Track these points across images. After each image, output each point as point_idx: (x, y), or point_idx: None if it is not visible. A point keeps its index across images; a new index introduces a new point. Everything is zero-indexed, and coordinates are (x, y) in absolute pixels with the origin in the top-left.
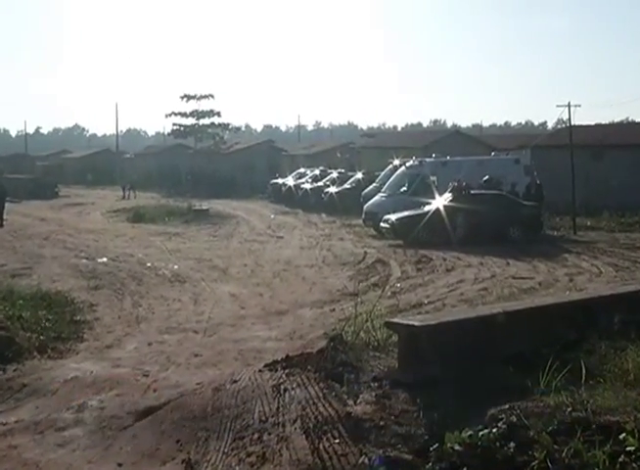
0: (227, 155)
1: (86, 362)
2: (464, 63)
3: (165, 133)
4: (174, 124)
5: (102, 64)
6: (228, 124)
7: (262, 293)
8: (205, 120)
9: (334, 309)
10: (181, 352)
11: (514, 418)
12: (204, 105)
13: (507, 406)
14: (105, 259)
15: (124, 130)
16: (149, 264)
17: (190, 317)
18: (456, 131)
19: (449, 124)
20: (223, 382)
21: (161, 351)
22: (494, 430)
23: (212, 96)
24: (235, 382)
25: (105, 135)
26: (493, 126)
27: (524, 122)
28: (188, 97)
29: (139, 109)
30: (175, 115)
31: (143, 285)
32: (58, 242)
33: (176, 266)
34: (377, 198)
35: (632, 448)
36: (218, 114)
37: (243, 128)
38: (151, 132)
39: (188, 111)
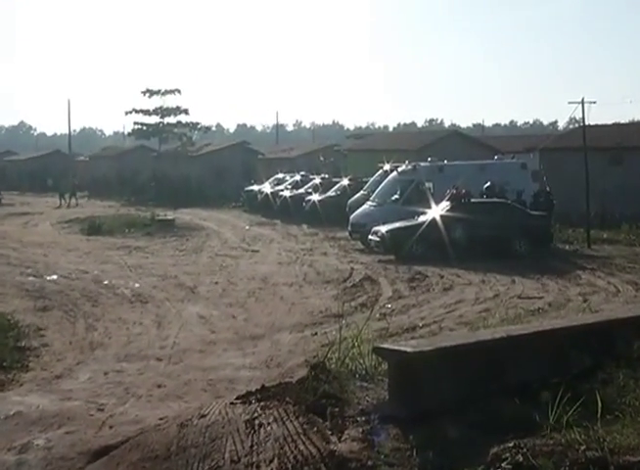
0: (196, 158)
1: (32, 395)
2: (463, 55)
3: (125, 133)
4: (135, 123)
5: (52, 55)
6: (197, 124)
7: (235, 314)
8: (171, 119)
9: (316, 333)
10: (142, 382)
11: (520, 458)
12: (169, 101)
13: (512, 444)
14: (55, 277)
15: (78, 129)
16: (106, 282)
17: (152, 343)
18: (455, 132)
19: (447, 124)
20: (190, 417)
21: (119, 381)
22: None
23: (179, 91)
24: (203, 416)
25: (55, 135)
26: (497, 126)
27: (531, 122)
28: (151, 92)
29: (95, 105)
30: (136, 112)
31: (99, 306)
32: (0, 257)
33: (137, 285)
34: (365, 207)
35: None
36: (185, 111)
37: (213, 128)
38: (108, 132)
39: (151, 108)
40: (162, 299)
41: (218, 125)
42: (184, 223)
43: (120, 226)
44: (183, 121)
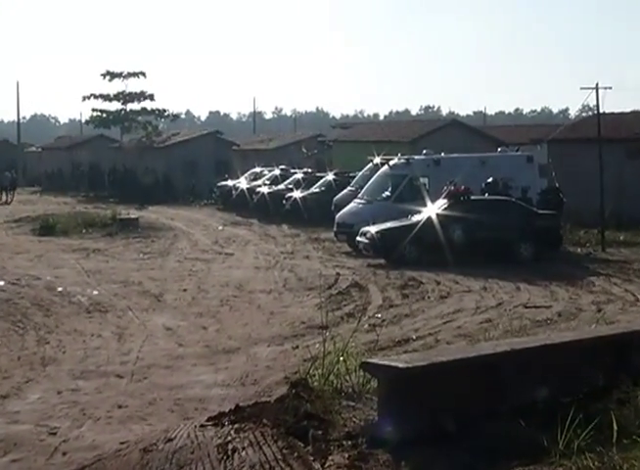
0: (162, 149)
1: None
2: (462, 35)
3: (82, 121)
4: (94, 110)
5: None
6: (164, 111)
7: (206, 326)
8: (134, 105)
9: (297, 347)
10: (100, 402)
11: None
12: (132, 85)
13: None
14: (1, 283)
15: (28, 117)
16: (60, 290)
17: (113, 358)
18: (453, 121)
19: (444, 112)
20: (154, 441)
21: (74, 401)
22: None
23: (143, 74)
24: (170, 441)
25: (2, 122)
26: (500, 115)
27: (539, 110)
28: (112, 75)
29: (48, 89)
30: (95, 97)
31: (52, 316)
32: None
33: (96, 292)
34: (352, 205)
35: None
36: (151, 97)
37: (182, 116)
38: (63, 119)
39: (112, 93)
40: (124, 308)
41: (188, 113)
42: (149, 223)
43: (77, 226)
44: (148, 108)
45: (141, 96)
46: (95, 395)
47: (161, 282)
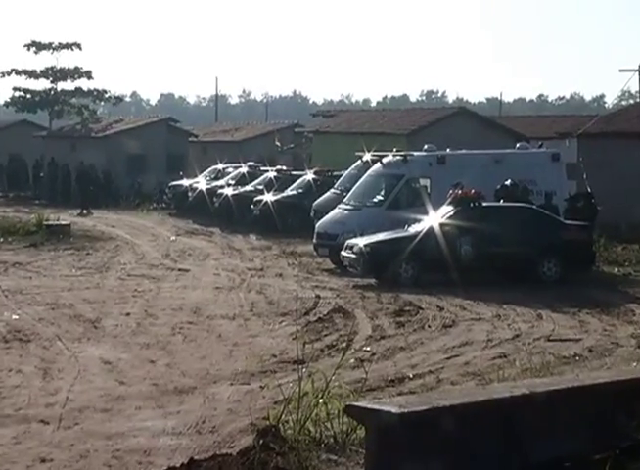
0: (102, 140)
1: None
2: (473, 5)
3: (1, 103)
4: (15, 89)
5: None
6: (104, 92)
7: (154, 359)
8: (67, 84)
9: (266, 386)
10: (19, 454)
11: None
12: (64, 60)
13: None
14: None
15: None
16: None
17: (36, 399)
18: (461, 109)
19: (451, 99)
20: None
21: None
22: None
23: (78, 46)
24: None
25: None
26: (519, 102)
27: (567, 97)
28: (38, 46)
29: None
30: (17, 73)
31: None
32: None
33: (15, 317)
34: (336, 212)
35: None
36: (88, 74)
37: (128, 98)
38: None
39: (39, 68)
40: (51, 336)
41: (134, 95)
42: (84, 231)
43: None
44: (84, 88)
45: (75, 73)
46: (12, 445)
47: (99, 305)
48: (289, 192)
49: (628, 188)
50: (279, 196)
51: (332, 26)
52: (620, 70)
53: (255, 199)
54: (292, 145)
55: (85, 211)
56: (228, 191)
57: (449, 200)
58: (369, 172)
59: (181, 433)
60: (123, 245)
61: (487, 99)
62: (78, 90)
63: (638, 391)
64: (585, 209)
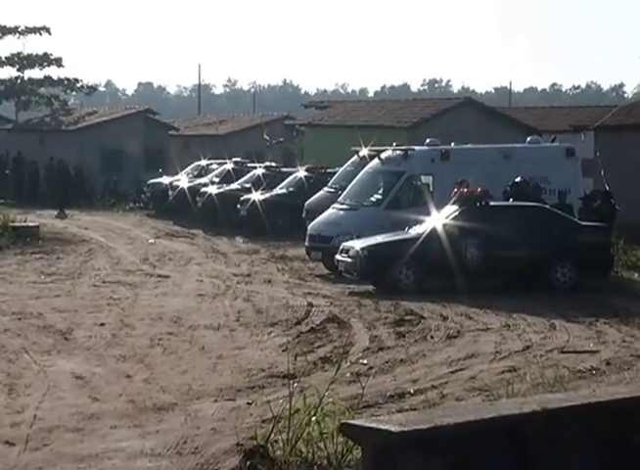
0: (74, 133)
1: None
2: None
3: None
4: None
5: None
6: (76, 81)
7: (131, 373)
8: (35, 73)
9: (253, 403)
10: None
11: None
12: (32, 45)
13: None
14: None
15: None
16: None
17: (0, 417)
18: (467, 100)
19: (456, 88)
20: None
21: None
22: None
23: (48, 30)
24: None
25: None
26: (530, 92)
27: (583, 86)
28: (3, 30)
29: None
30: None
31: None
32: None
33: None
34: (331, 212)
35: None
36: (58, 61)
37: (102, 88)
38: None
39: (3, 55)
40: (18, 349)
41: (109, 84)
42: (54, 233)
43: None
44: (54, 77)
45: (44, 60)
46: None
47: (70, 314)
48: (278, 190)
49: None
50: (268, 195)
51: (325, 9)
52: None
53: (242, 198)
54: (282, 139)
55: (62, 213)
56: (212, 189)
57: (454, 199)
58: (366, 169)
59: (160, 454)
60: (97, 248)
61: (496, 88)
62: (47, 79)
63: None
64: (603, 208)
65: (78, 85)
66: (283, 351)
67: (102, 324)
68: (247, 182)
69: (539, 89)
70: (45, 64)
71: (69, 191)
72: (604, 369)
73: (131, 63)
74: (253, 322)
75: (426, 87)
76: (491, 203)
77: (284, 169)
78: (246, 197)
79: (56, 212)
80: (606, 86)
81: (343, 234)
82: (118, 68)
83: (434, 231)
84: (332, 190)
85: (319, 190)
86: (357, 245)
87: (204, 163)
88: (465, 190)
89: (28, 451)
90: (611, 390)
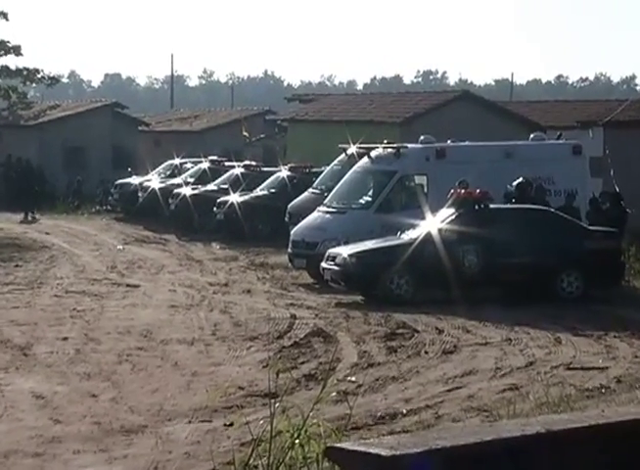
0: (33, 129)
1: None
2: None
3: None
4: None
5: None
6: (36, 71)
7: (97, 392)
8: None
9: (231, 424)
10: None
11: None
12: None
13: None
14: None
15: None
16: None
17: None
18: (465, 93)
19: (452, 80)
20: None
21: None
22: None
23: (4, 16)
24: None
25: None
26: (534, 84)
27: (591, 78)
28: None
29: None
30: None
31: None
32: None
33: None
34: (316, 216)
35: None
36: (16, 50)
37: (65, 79)
38: None
39: None
40: None
41: (73, 75)
42: (12, 238)
43: None
44: (11, 67)
45: (1, 48)
46: None
47: (30, 327)
48: (259, 192)
49: None
50: (247, 197)
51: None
52: None
53: (219, 200)
54: (262, 136)
55: (31, 217)
56: (186, 191)
57: (450, 201)
58: (355, 168)
59: None
60: (60, 255)
61: (496, 81)
62: (4, 69)
63: None
64: (613, 212)
65: (39, 76)
66: (263, 367)
67: (64, 338)
68: (224, 183)
69: (544, 81)
70: (1, 52)
71: (37, 193)
72: (614, 387)
73: (97, 52)
74: (231, 336)
75: (420, 79)
76: (491, 205)
77: (265, 169)
78: (223, 199)
79: (21, 217)
80: (616, 78)
81: (330, 240)
82: (83, 57)
83: (428, 236)
84: (317, 191)
85: (303, 191)
86: (345, 251)
87: (177, 161)
88: (462, 191)
89: None
90: (621, 410)
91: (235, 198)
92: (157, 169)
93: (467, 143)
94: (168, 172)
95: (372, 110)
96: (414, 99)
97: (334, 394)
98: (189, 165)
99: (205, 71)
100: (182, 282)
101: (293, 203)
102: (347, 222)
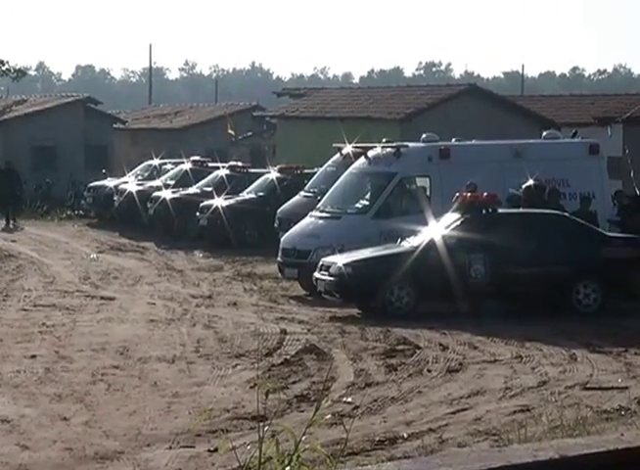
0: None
1: None
2: None
3: None
4: None
5: None
6: (1, 63)
7: (68, 415)
8: None
9: (216, 450)
10: None
11: None
12: None
13: None
14: None
15: None
16: None
17: None
18: (471, 87)
19: (457, 73)
20: None
21: None
22: None
23: None
24: None
25: None
26: (547, 77)
27: (610, 70)
28: None
29: None
30: None
31: None
32: None
33: None
34: (308, 221)
35: None
36: None
37: (33, 72)
38: None
39: None
40: None
41: (41, 67)
42: None
43: None
44: None
45: None
46: None
47: None
48: (246, 195)
49: None
50: (233, 200)
51: None
52: None
53: (202, 204)
54: (249, 134)
55: (12, 225)
56: (166, 194)
57: (455, 205)
58: (350, 170)
59: None
60: (27, 265)
61: (505, 74)
62: None
63: None
64: (634, 218)
65: (4, 68)
66: (251, 387)
67: (33, 356)
68: (207, 185)
69: (557, 74)
70: None
71: (19, 198)
72: (634, 409)
73: (68, 42)
74: (216, 353)
75: (422, 72)
76: (500, 210)
77: (252, 170)
78: (206, 203)
79: (1, 224)
80: (637, 70)
81: (323, 248)
82: (53, 48)
83: (431, 244)
84: (309, 195)
85: (294, 195)
86: (340, 260)
87: (156, 162)
88: (468, 195)
89: None
90: None
91: (219, 202)
92: (134, 171)
93: (473, 142)
94: (146, 174)
95: (369, 105)
96: (415, 93)
97: (328, 416)
98: (169, 166)
99: (186, 63)
100: (162, 294)
101: (283, 207)
102: (343, 229)
